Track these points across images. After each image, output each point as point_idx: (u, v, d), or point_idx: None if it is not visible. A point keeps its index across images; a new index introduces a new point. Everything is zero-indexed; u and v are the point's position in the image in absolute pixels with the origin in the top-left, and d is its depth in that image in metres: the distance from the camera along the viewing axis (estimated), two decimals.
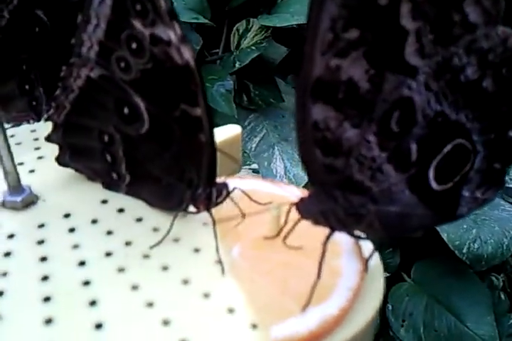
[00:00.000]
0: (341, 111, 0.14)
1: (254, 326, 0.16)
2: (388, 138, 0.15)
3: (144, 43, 0.16)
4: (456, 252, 0.50)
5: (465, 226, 0.51)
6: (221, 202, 0.18)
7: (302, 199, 0.16)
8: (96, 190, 0.20)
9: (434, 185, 0.16)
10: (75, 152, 0.20)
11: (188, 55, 0.15)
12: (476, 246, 0.51)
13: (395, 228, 0.17)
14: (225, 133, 0.24)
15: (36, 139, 0.23)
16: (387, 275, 0.56)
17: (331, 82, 0.14)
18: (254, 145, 0.59)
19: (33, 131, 0.23)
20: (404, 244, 0.57)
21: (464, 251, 0.50)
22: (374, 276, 0.17)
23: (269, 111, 0.62)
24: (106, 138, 0.19)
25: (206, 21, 0.57)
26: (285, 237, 0.18)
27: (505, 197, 0.55)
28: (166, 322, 0.16)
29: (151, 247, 0.18)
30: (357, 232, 0.18)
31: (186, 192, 0.18)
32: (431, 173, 0.15)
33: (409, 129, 0.15)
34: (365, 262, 0.17)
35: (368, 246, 0.19)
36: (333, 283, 0.17)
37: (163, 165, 0.18)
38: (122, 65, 0.16)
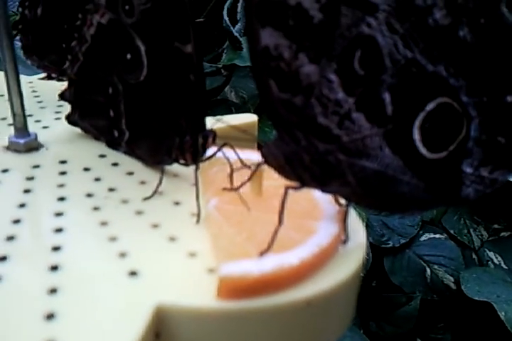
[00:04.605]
0: (293, 40, 0.14)
1: (211, 270, 0.15)
2: (353, 81, 0.14)
3: None
4: None
5: None
6: (208, 157, 0.18)
7: (266, 143, 0.16)
8: (97, 147, 0.21)
9: (423, 150, 0.15)
10: (83, 110, 0.21)
11: None
12: None
13: (378, 193, 0.15)
14: (242, 119, 0.24)
15: (60, 106, 0.24)
16: None
17: (276, 4, 0.13)
18: None
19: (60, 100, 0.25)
20: (456, 319, 0.52)
21: None
22: (355, 243, 0.16)
23: None
24: (110, 90, 0.19)
25: None
26: (239, 187, 0.17)
27: None
28: (122, 255, 0.15)
29: (144, 199, 0.18)
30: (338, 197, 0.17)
31: (175, 140, 0.18)
32: (416, 134, 0.15)
33: (378, 75, 0.14)
34: (345, 230, 0.16)
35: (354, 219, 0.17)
36: (302, 238, 0.16)
37: (157, 115, 0.18)
38: (127, 7, 0.17)
